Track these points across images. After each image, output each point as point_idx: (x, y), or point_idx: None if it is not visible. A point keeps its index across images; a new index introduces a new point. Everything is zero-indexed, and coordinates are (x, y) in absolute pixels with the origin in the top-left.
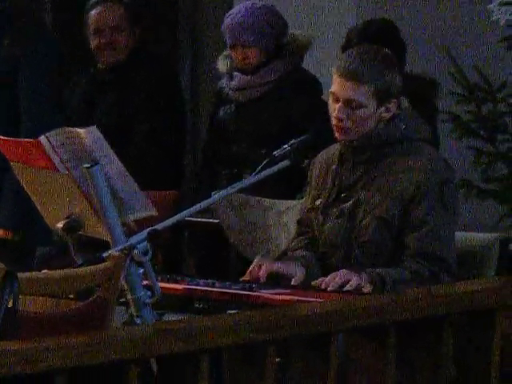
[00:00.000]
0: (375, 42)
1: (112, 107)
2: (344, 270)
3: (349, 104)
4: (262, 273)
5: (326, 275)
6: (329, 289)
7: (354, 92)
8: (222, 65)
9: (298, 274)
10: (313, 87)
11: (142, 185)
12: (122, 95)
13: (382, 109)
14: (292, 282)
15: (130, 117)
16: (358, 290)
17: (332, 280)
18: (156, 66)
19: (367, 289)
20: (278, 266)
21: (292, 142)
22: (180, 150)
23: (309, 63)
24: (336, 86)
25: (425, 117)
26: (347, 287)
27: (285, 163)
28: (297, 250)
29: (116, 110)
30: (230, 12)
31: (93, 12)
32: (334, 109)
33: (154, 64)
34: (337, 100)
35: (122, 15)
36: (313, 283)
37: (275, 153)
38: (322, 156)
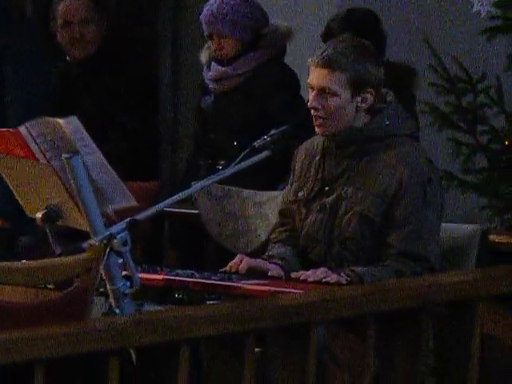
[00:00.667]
0: (356, 32)
1: (84, 100)
2: (323, 268)
3: (323, 92)
4: (243, 265)
5: (306, 270)
6: (309, 280)
7: (327, 79)
8: (203, 55)
9: (277, 270)
10: (290, 79)
11: (122, 177)
12: (94, 89)
13: (358, 98)
14: (269, 273)
15: (103, 111)
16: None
17: (311, 275)
18: (128, 55)
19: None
20: (257, 263)
21: (272, 132)
22: (155, 140)
23: (288, 53)
24: (311, 76)
25: (405, 106)
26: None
27: (265, 154)
28: (277, 242)
29: (89, 103)
30: (208, 2)
31: (60, 5)
32: (310, 99)
33: (126, 54)
34: (312, 89)
35: (90, 6)
36: (292, 275)
37: (255, 143)
38: (305, 147)
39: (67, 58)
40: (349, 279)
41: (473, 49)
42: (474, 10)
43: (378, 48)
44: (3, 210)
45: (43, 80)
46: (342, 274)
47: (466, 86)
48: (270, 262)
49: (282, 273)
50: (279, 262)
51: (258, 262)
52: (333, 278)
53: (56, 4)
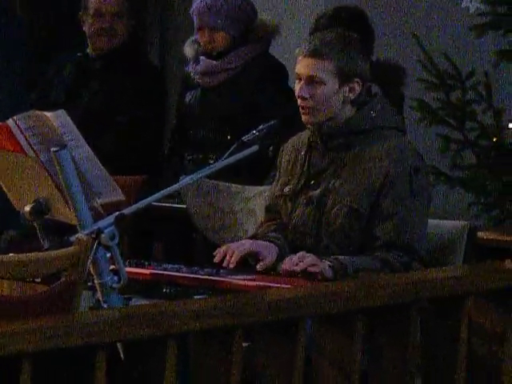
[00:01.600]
0: (343, 26)
1: (96, 95)
2: (302, 252)
3: (310, 81)
4: (233, 259)
5: None
6: (286, 269)
7: (315, 68)
8: (188, 50)
9: (268, 256)
10: (279, 73)
11: (116, 171)
12: (107, 84)
13: (345, 88)
14: (257, 267)
15: (112, 106)
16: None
17: (289, 260)
18: (144, 59)
19: (326, 271)
20: (248, 249)
21: (260, 127)
22: (157, 141)
23: (277, 49)
24: (298, 66)
25: (392, 103)
26: (301, 265)
27: (253, 148)
28: (267, 233)
29: (100, 98)
30: None
31: None
32: (297, 89)
33: (141, 58)
34: (300, 79)
35: (122, 2)
36: (276, 271)
37: (244, 138)
38: (291, 142)
39: (88, 50)
40: (331, 264)
41: (461, 45)
42: (463, 6)
43: (366, 45)
44: None
45: (28, 70)
46: (326, 261)
47: (454, 82)
48: (263, 242)
49: (275, 252)
50: (276, 241)
51: (249, 248)
52: (308, 260)
53: None
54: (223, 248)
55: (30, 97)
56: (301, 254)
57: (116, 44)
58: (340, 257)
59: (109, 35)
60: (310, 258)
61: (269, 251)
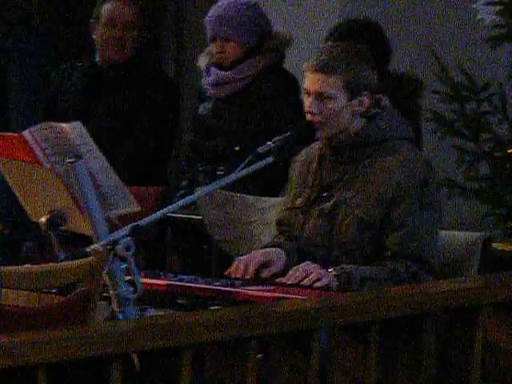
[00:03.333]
0: (357, 40)
1: (110, 104)
2: (307, 262)
3: (319, 97)
4: (252, 270)
5: None
6: (288, 282)
7: (324, 84)
8: (202, 62)
9: (277, 262)
10: (290, 86)
11: (131, 182)
12: (121, 94)
13: (355, 101)
14: (262, 274)
15: (127, 116)
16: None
17: (293, 274)
18: (160, 74)
19: (331, 283)
20: (258, 259)
21: (276, 138)
22: (168, 150)
23: (290, 61)
24: (306, 81)
25: (409, 115)
26: (306, 281)
27: (268, 160)
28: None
29: (114, 107)
30: (214, 5)
31: (108, 6)
32: (306, 104)
33: (157, 70)
34: (308, 94)
35: (136, 13)
36: (277, 280)
37: (259, 149)
38: (302, 154)
39: (97, 59)
40: (337, 273)
41: (476, 57)
42: (478, 17)
43: (382, 56)
44: (3, 215)
45: (47, 83)
46: (331, 269)
47: (469, 94)
48: (271, 249)
49: (283, 261)
50: (286, 246)
51: (259, 258)
52: (313, 275)
53: (102, 3)
54: (235, 262)
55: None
56: (305, 266)
57: (125, 55)
58: (346, 266)
59: (118, 45)
60: (314, 274)
61: (278, 257)
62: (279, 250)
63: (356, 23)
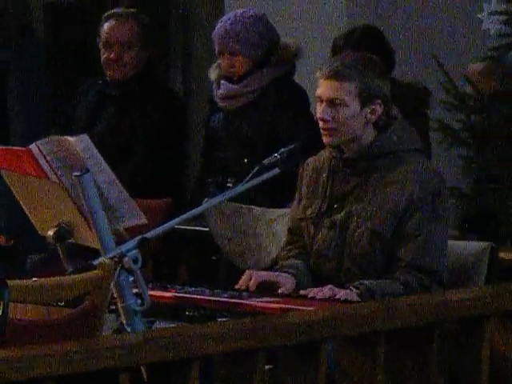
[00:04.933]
0: (359, 47)
1: (112, 121)
2: (330, 285)
3: (332, 103)
4: (252, 282)
5: (316, 285)
6: (317, 297)
7: (336, 90)
8: (212, 73)
9: (287, 284)
10: (299, 97)
11: (138, 195)
12: (124, 111)
13: (367, 110)
14: (279, 291)
15: (128, 133)
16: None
17: (319, 291)
18: (164, 90)
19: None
20: (267, 275)
21: (281, 150)
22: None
23: (299, 71)
24: (320, 88)
25: (418, 125)
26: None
27: (274, 171)
28: (287, 259)
29: (116, 125)
30: (222, 19)
31: (105, 25)
32: (319, 111)
33: (161, 87)
34: (321, 101)
35: (134, 32)
36: (301, 292)
37: (265, 161)
38: (311, 164)
39: (107, 77)
40: (358, 291)
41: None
42: (484, 27)
43: (386, 63)
44: (6, 228)
45: (46, 95)
46: (351, 287)
47: (475, 104)
48: (281, 272)
49: (293, 282)
50: (290, 270)
51: (268, 275)
52: (341, 294)
53: (102, 22)
54: (244, 275)
55: (52, 130)
56: (331, 287)
57: (126, 74)
58: (365, 282)
59: (117, 65)
60: (340, 294)
61: (286, 281)
62: (287, 275)
63: (357, 30)
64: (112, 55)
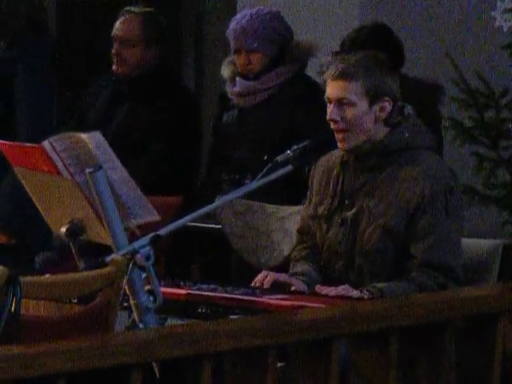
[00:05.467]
0: (368, 45)
1: (125, 118)
2: (345, 285)
3: (340, 103)
4: (267, 280)
5: (328, 284)
6: (331, 294)
7: (344, 90)
8: (225, 70)
9: (300, 286)
10: (315, 94)
11: (150, 191)
12: (136, 109)
13: (376, 107)
14: (292, 288)
15: (141, 131)
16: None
17: (332, 291)
18: (178, 88)
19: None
20: (283, 276)
21: (294, 147)
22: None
23: (311, 69)
24: (328, 89)
25: (430, 122)
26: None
27: (287, 168)
28: (298, 261)
29: (128, 122)
30: (236, 17)
31: (117, 21)
32: (328, 112)
33: (175, 85)
34: (330, 103)
35: (136, 31)
36: (316, 288)
37: (278, 158)
38: (322, 162)
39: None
40: (371, 296)
41: (495, 64)
42: (497, 24)
43: (395, 59)
44: (10, 227)
45: (53, 92)
46: (364, 290)
47: (488, 101)
48: (293, 277)
49: (305, 288)
50: (303, 278)
51: (283, 277)
52: (355, 293)
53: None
54: (260, 274)
55: (68, 124)
56: (346, 287)
57: (129, 70)
58: (378, 285)
59: (117, 61)
60: (353, 293)
61: (300, 284)
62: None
63: (365, 28)
64: (113, 51)
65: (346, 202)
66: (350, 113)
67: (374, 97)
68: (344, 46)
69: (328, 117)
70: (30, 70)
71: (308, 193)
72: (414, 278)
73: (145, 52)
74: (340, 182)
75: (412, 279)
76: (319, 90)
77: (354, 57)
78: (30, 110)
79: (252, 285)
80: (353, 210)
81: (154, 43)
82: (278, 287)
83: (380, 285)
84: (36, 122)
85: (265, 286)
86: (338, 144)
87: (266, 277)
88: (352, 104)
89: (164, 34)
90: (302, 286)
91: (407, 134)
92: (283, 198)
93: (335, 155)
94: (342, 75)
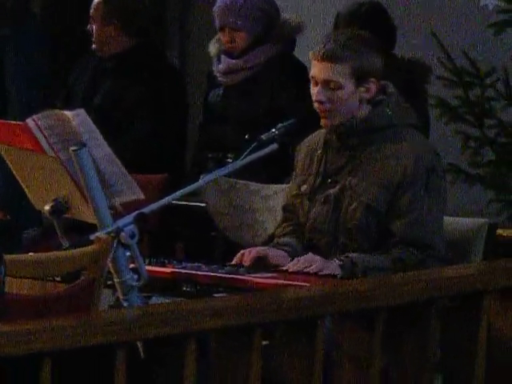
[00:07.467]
0: (363, 25)
1: (108, 94)
2: (310, 253)
3: (327, 85)
4: (246, 258)
5: None
6: (290, 270)
7: (331, 72)
8: (212, 48)
9: (277, 257)
10: (299, 73)
11: (135, 170)
12: (118, 85)
13: (362, 89)
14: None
15: (124, 107)
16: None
17: (295, 263)
18: (160, 62)
19: (336, 272)
20: (258, 249)
21: (279, 125)
22: (174, 137)
23: (297, 48)
24: (314, 70)
25: (418, 101)
26: (309, 270)
27: (272, 147)
28: (283, 236)
29: (111, 98)
30: None
31: None
32: (314, 93)
33: (157, 60)
34: (316, 83)
35: (95, 8)
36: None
37: (262, 136)
38: (307, 141)
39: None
40: (341, 263)
41: (480, 42)
42: (482, 3)
43: (387, 40)
44: (5, 203)
45: (43, 71)
46: (335, 259)
47: (473, 80)
48: (275, 249)
49: (286, 257)
50: (286, 248)
51: (261, 251)
52: (316, 265)
53: None
54: (240, 252)
55: (56, 105)
56: (308, 257)
57: (97, 47)
58: (351, 254)
59: (93, 40)
60: (316, 265)
61: (282, 258)
62: (282, 252)
63: (362, 6)
64: (89, 27)
65: (329, 181)
66: (336, 95)
67: (360, 78)
68: (339, 23)
69: (314, 98)
70: (21, 49)
71: (293, 172)
72: (391, 253)
73: (102, 28)
74: (323, 161)
75: (389, 254)
76: (304, 70)
77: (341, 37)
78: (19, 89)
79: (233, 262)
80: (336, 188)
81: (113, 19)
82: (261, 265)
83: (353, 254)
84: (25, 101)
85: (245, 263)
86: (322, 122)
87: (244, 254)
88: (339, 86)
89: (128, 12)
90: (283, 256)
91: (389, 112)
92: (266, 177)
93: (319, 134)
94: (330, 57)
